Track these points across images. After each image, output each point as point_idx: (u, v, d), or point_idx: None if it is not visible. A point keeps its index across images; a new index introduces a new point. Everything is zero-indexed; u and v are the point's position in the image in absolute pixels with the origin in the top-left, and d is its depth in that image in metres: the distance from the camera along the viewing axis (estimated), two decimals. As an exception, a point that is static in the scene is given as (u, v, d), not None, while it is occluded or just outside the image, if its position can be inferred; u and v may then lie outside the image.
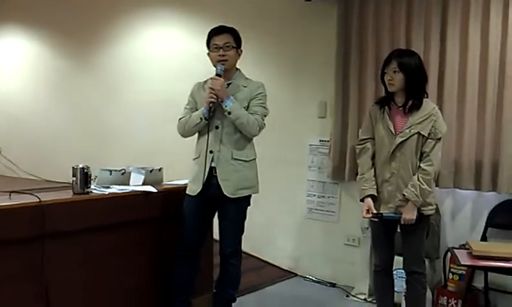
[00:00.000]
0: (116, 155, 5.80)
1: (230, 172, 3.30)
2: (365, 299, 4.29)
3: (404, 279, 3.43)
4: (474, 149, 3.92)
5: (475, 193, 4.01)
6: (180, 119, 3.45)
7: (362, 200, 3.32)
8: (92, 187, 3.23)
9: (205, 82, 3.41)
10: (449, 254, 3.74)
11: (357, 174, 3.51)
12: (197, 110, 3.39)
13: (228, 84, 3.34)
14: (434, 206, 3.32)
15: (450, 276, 3.92)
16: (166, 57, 5.80)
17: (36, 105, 6.96)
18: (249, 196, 3.41)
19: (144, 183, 3.54)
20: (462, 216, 4.11)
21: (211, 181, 3.31)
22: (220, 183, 3.29)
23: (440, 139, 3.21)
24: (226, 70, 3.32)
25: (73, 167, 3.13)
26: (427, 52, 4.01)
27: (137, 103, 5.97)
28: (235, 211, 3.38)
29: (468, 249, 3.50)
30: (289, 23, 4.90)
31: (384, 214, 3.25)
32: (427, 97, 3.31)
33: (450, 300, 3.86)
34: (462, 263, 3.38)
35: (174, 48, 5.76)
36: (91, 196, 3.14)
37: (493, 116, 3.84)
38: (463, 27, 3.94)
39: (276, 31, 4.98)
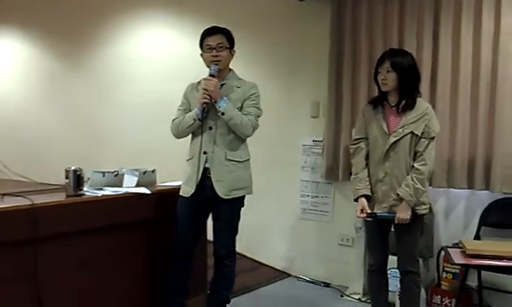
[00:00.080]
0: (109, 156, 5.78)
1: (223, 173, 3.29)
2: (359, 299, 4.29)
3: (398, 279, 3.43)
4: (467, 148, 3.93)
5: (468, 192, 4.02)
6: (173, 120, 3.44)
7: (356, 200, 3.32)
8: (85, 189, 3.21)
9: (199, 82, 3.40)
10: (443, 253, 3.75)
11: (350, 174, 3.51)
12: (190, 111, 3.38)
13: (222, 85, 3.33)
14: (428, 206, 3.32)
15: (444, 275, 3.93)
16: (158, 58, 5.78)
17: (28, 106, 6.92)
18: (243, 197, 3.41)
19: (137, 185, 3.53)
20: (455, 215, 4.13)
21: (205, 182, 3.30)
22: (214, 184, 3.28)
23: (433, 138, 3.22)
24: (220, 71, 3.31)
25: (65, 170, 3.11)
26: (419, 51, 4.02)
27: (130, 105, 5.95)
28: (229, 212, 3.38)
29: (461, 247, 3.51)
30: (282, 23, 4.89)
31: (378, 214, 3.25)
32: (420, 96, 3.32)
33: (444, 299, 3.87)
34: (456, 262, 3.40)
35: (167, 49, 5.74)
36: (84, 198, 3.13)
37: (485, 115, 3.86)
38: (455, 26, 3.95)
39: (269, 31, 4.97)
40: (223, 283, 3.48)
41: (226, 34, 3.38)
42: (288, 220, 4.93)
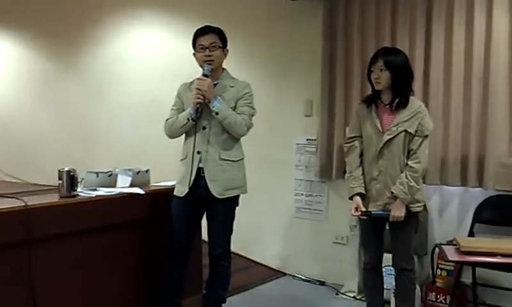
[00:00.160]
0: (102, 156, 5.76)
1: (218, 172, 3.29)
2: (354, 297, 4.30)
3: (393, 276, 3.45)
4: (460, 145, 3.94)
5: (462, 189, 4.03)
6: (166, 120, 3.43)
7: (351, 198, 3.33)
8: (79, 189, 3.19)
9: (192, 82, 3.40)
10: (437, 250, 3.76)
11: (344, 172, 3.52)
12: (184, 110, 3.37)
13: (215, 84, 3.32)
14: (422, 203, 3.34)
15: (439, 272, 3.94)
16: (151, 58, 5.77)
17: (19, 107, 6.89)
18: (238, 196, 3.40)
19: (131, 185, 3.52)
20: (449, 212, 4.14)
21: (199, 182, 3.30)
22: (208, 183, 3.28)
23: (426, 136, 3.23)
24: (213, 70, 3.30)
25: (59, 170, 3.10)
26: (412, 50, 4.02)
27: (123, 105, 5.93)
28: (223, 211, 3.37)
29: (455, 245, 3.52)
30: (275, 23, 4.90)
31: (372, 212, 3.26)
32: (413, 95, 3.33)
33: (438, 296, 3.88)
34: (450, 259, 3.41)
35: (159, 49, 5.73)
36: (78, 199, 3.11)
37: (478, 113, 3.87)
38: (448, 24, 3.96)
39: (262, 31, 4.97)
40: (218, 283, 3.47)
41: (219, 33, 3.37)
42: (282, 219, 4.93)
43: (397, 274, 3.36)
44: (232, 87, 3.37)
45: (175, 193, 3.39)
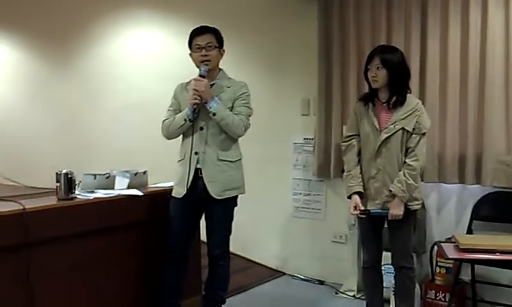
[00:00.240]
0: (99, 158, 5.75)
1: (216, 173, 3.28)
2: (353, 296, 4.29)
3: (392, 275, 3.45)
4: (457, 143, 3.94)
5: (460, 186, 4.03)
6: (163, 121, 3.43)
7: (349, 197, 3.32)
8: (76, 192, 3.18)
9: (188, 83, 3.39)
10: (436, 248, 3.76)
11: (342, 171, 3.52)
12: (181, 111, 3.36)
13: (212, 85, 3.31)
14: (421, 201, 3.35)
15: (438, 270, 3.94)
16: (147, 59, 5.76)
17: (16, 110, 6.87)
18: (236, 197, 3.40)
19: (129, 187, 3.51)
20: (447, 210, 4.14)
21: (197, 182, 3.29)
22: (206, 184, 3.27)
23: (424, 134, 3.23)
24: (209, 71, 3.30)
25: (56, 173, 3.09)
26: (408, 46, 4.02)
27: (119, 106, 5.92)
28: (222, 212, 3.36)
29: (454, 242, 3.52)
30: (270, 22, 4.89)
31: (371, 210, 3.26)
32: (410, 92, 3.33)
33: (438, 294, 3.88)
34: (449, 256, 3.40)
35: (155, 49, 5.72)
36: (76, 202, 3.11)
37: (475, 110, 3.87)
38: (443, 21, 3.96)
39: (258, 30, 4.97)
40: (217, 283, 3.46)
41: (215, 33, 3.36)
42: (281, 218, 4.92)
43: (397, 272, 3.36)
44: (229, 87, 3.36)
45: (173, 194, 3.38)
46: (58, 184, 3.08)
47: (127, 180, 3.53)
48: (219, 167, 3.29)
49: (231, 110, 3.30)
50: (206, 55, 3.28)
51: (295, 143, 4.81)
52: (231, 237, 3.45)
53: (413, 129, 3.21)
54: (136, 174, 3.62)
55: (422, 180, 3.78)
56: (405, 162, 3.21)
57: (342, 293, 4.37)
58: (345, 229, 4.47)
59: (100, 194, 3.28)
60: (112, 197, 3.29)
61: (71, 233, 3.01)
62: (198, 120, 3.29)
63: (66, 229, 2.98)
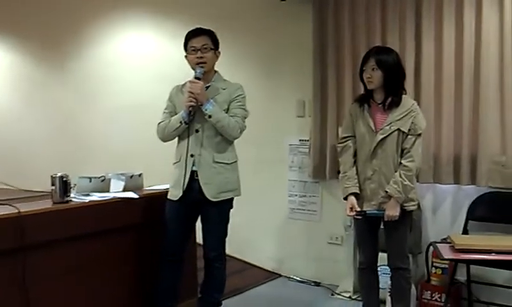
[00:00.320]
0: (94, 161, 5.72)
1: (211, 175, 3.28)
2: (349, 297, 4.30)
3: (388, 276, 3.45)
4: (452, 143, 3.95)
5: (455, 187, 4.04)
6: (159, 123, 3.42)
7: (345, 198, 3.33)
8: (72, 195, 3.17)
9: (184, 85, 3.39)
10: (431, 249, 3.77)
11: (338, 172, 3.52)
12: (176, 114, 3.36)
13: (207, 87, 3.31)
14: (417, 202, 3.35)
15: (433, 270, 3.95)
16: (142, 61, 5.74)
17: (10, 113, 6.82)
18: (232, 199, 3.40)
19: (124, 190, 3.50)
20: (442, 210, 4.14)
21: (193, 185, 3.29)
22: (202, 186, 3.27)
23: (420, 134, 3.24)
24: (205, 73, 3.30)
25: (51, 176, 3.07)
26: (402, 48, 4.03)
27: (114, 108, 5.90)
28: (217, 214, 3.36)
29: (450, 242, 3.53)
30: (265, 23, 4.89)
31: (367, 211, 3.27)
32: (405, 93, 3.34)
33: (433, 294, 3.89)
34: (445, 257, 3.41)
35: (150, 51, 5.71)
36: (71, 205, 3.09)
37: (469, 110, 3.88)
38: (438, 22, 3.97)
39: (253, 31, 4.97)
40: (214, 286, 3.46)
41: (211, 35, 3.36)
42: (276, 220, 4.92)
43: (393, 273, 3.36)
44: (224, 89, 3.36)
45: (168, 197, 3.38)
46: (53, 187, 3.07)
47: (122, 183, 3.52)
48: (214, 169, 3.29)
49: (226, 113, 3.30)
50: (201, 58, 3.28)
51: (290, 145, 4.81)
52: (227, 239, 3.45)
53: (409, 130, 3.21)
54: (131, 176, 3.61)
55: (417, 181, 3.78)
56: (401, 163, 3.22)
57: (338, 294, 4.37)
58: (341, 231, 4.47)
59: (96, 197, 3.27)
60: (107, 200, 3.28)
61: (66, 236, 3.00)
62: (194, 122, 3.28)
63: (61, 233, 2.97)
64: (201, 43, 3.30)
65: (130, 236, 3.44)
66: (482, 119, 3.82)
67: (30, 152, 6.59)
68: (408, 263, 3.36)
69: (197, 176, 3.28)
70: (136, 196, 3.41)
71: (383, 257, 3.45)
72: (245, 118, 3.37)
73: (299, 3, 4.56)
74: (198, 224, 3.47)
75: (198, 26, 3.39)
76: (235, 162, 3.41)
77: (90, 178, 3.42)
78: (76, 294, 3.08)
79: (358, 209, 3.27)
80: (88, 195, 3.28)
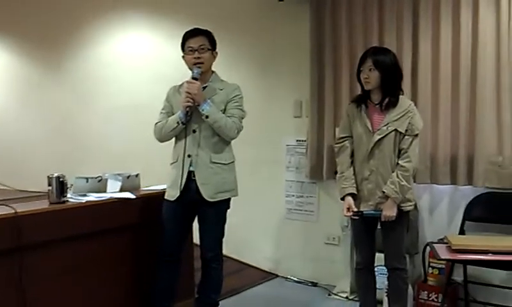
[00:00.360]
0: (91, 161, 5.72)
1: (209, 175, 3.28)
2: (346, 297, 4.30)
3: (385, 276, 3.45)
4: (449, 144, 3.96)
5: (452, 187, 4.04)
6: (156, 124, 3.42)
7: (342, 199, 3.33)
8: (68, 195, 3.17)
9: (181, 85, 3.38)
10: (428, 249, 3.77)
11: (335, 173, 3.52)
12: (173, 114, 3.35)
13: (204, 87, 3.31)
14: (414, 202, 3.35)
15: (430, 271, 3.95)
16: (139, 61, 5.74)
17: (6, 114, 6.82)
18: (229, 199, 3.39)
19: (121, 190, 3.50)
20: (439, 211, 4.15)
21: (190, 185, 3.28)
22: (199, 187, 3.26)
23: (417, 135, 3.24)
24: (202, 73, 3.29)
25: (48, 176, 3.07)
26: (399, 49, 4.03)
27: (111, 109, 5.90)
28: (215, 215, 3.36)
29: (447, 243, 3.54)
30: (262, 24, 4.89)
31: (364, 212, 3.27)
32: (402, 94, 3.34)
33: (430, 295, 3.89)
34: (442, 257, 3.42)
35: (147, 51, 5.71)
36: (68, 205, 3.09)
37: (466, 111, 3.88)
38: (435, 22, 3.97)
39: (250, 32, 4.97)
40: (211, 286, 3.45)
41: (208, 35, 3.36)
42: (273, 220, 4.92)
43: (390, 273, 3.37)
44: (222, 89, 3.36)
45: (165, 197, 3.37)
46: (50, 188, 3.07)
47: (119, 183, 3.52)
48: (212, 169, 3.28)
49: (224, 113, 3.30)
50: (199, 58, 3.28)
51: (287, 145, 4.82)
52: (224, 240, 3.45)
53: (406, 130, 3.22)
54: (128, 177, 3.61)
55: (414, 181, 3.79)
56: (398, 163, 3.22)
57: (335, 294, 4.37)
58: (338, 231, 4.47)
59: (92, 197, 3.27)
60: (104, 200, 3.28)
61: (63, 236, 2.99)
62: (191, 123, 3.28)
63: (58, 233, 2.96)
64: (198, 44, 3.30)
65: (127, 237, 3.44)
66: (478, 119, 3.83)
67: (26, 152, 6.59)
68: (405, 263, 3.36)
69: (194, 176, 3.28)
70: (132, 196, 3.41)
71: (380, 257, 3.45)
72: (242, 118, 3.37)
73: (297, 3, 4.57)
74: (196, 225, 3.46)
75: (195, 26, 3.39)
76: (233, 162, 3.41)
77: (87, 179, 3.41)
78: (73, 294, 3.08)
79: (355, 209, 3.27)
80: (84, 195, 3.28)
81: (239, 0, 5.01)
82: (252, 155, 4.73)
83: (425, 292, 3.91)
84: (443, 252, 3.42)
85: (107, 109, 5.95)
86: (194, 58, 3.28)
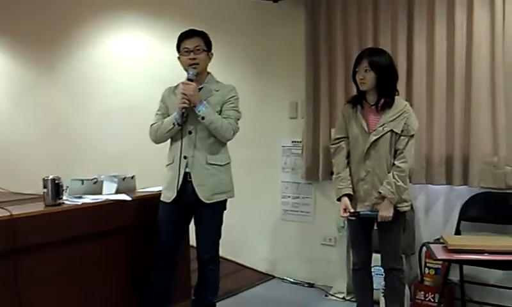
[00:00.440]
0: (86, 163, 5.71)
1: (205, 177, 3.27)
2: (343, 298, 4.30)
3: (382, 276, 3.46)
4: (444, 144, 3.96)
5: (447, 188, 4.05)
6: (151, 125, 3.41)
7: (339, 199, 3.33)
8: (64, 197, 3.15)
9: (176, 87, 3.38)
10: (424, 249, 3.78)
11: (331, 173, 3.52)
12: (169, 115, 3.35)
13: (200, 89, 3.30)
14: (410, 203, 3.36)
15: (427, 271, 3.96)
16: (134, 62, 5.73)
17: (1, 115, 6.81)
18: (225, 200, 3.39)
19: (117, 192, 3.49)
20: (435, 211, 4.15)
21: (186, 186, 3.28)
22: (195, 188, 3.26)
23: (412, 135, 3.25)
24: (198, 74, 3.29)
25: (44, 179, 3.06)
26: (394, 49, 4.03)
27: (106, 110, 5.89)
28: (211, 216, 3.35)
29: (443, 243, 3.54)
30: (258, 25, 4.89)
31: (361, 212, 3.27)
32: (398, 95, 3.35)
33: (427, 295, 3.89)
34: (438, 257, 3.42)
35: (142, 52, 5.70)
36: (64, 208, 3.08)
37: (461, 111, 3.89)
38: (429, 23, 3.98)
39: (245, 33, 4.97)
40: (208, 288, 3.45)
41: (204, 36, 3.36)
42: (269, 222, 4.91)
43: (386, 273, 3.37)
44: (217, 91, 3.35)
45: (161, 199, 3.36)
46: (45, 190, 3.05)
47: (115, 185, 3.51)
48: (208, 171, 3.28)
49: (219, 114, 3.29)
50: (194, 59, 3.28)
51: (283, 146, 4.81)
52: (220, 241, 3.44)
53: (402, 131, 3.22)
54: (123, 178, 3.60)
55: (410, 182, 3.79)
56: (394, 163, 3.22)
57: (332, 295, 4.37)
58: (334, 232, 4.47)
59: (88, 199, 3.26)
60: (100, 202, 3.26)
61: (59, 238, 2.98)
62: (187, 124, 3.27)
63: (54, 235, 2.95)
64: (194, 45, 3.29)
65: (123, 239, 3.43)
66: (473, 120, 3.84)
67: (21, 154, 6.56)
68: (401, 263, 3.37)
69: (190, 177, 3.27)
70: (128, 198, 3.40)
71: (376, 258, 3.45)
72: (238, 119, 3.37)
73: (292, 5, 4.57)
74: (192, 226, 3.46)
75: (191, 27, 3.38)
76: (229, 163, 3.41)
77: (82, 181, 3.40)
78: (69, 297, 3.06)
79: (352, 210, 3.27)
80: (80, 197, 3.26)
81: (234, 2, 5.01)
82: (248, 157, 4.72)
83: (422, 292, 3.92)
84: (439, 253, 3.43)
85: (102, 111, 5.93)
86: (190, 59, 3.27)
